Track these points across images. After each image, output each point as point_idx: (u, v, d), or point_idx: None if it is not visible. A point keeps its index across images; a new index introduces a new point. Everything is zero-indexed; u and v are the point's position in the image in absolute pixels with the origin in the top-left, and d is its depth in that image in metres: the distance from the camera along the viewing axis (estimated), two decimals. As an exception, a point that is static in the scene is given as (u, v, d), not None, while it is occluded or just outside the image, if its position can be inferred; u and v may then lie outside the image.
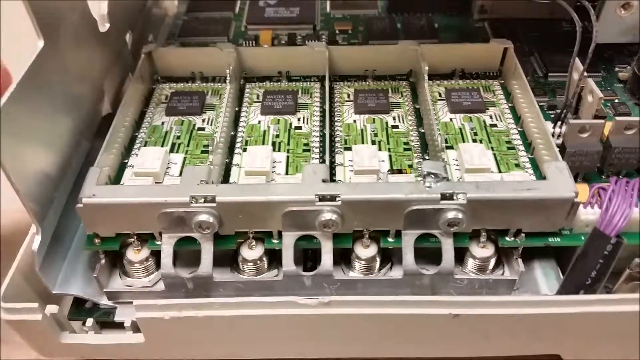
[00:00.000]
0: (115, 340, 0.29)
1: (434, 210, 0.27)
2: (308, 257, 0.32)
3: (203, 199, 0.27)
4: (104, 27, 0.36)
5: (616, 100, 0.38)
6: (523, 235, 0.29)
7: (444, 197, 0.27)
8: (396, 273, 0.30)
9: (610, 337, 0.28)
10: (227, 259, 0.31)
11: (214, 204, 0.27)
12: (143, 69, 0.37)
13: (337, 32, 0.44)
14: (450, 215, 0.27)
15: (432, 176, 0.28)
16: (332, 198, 0.27)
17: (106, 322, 0.31)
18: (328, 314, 0.27)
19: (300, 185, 0.28)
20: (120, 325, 0.30)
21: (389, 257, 0.31)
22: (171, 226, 0.28)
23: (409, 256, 0.28)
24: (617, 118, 0.31)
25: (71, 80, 0.32)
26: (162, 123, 0.35)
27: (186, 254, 0.30)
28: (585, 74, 0.33)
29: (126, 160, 0.33)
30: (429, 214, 0.27)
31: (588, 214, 0.29)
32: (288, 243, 0.29)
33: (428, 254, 0.30)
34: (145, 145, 0.33)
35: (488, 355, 0.30)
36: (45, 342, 0.29)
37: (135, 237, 0.29)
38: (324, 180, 0.28)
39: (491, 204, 0.27)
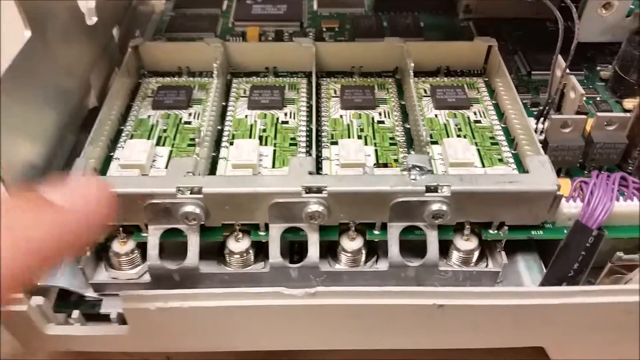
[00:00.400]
0: (101, 331, 0.29)
1: (418, 202, 0.28)
2: (294, 250, 0.32)
3: (189, 190, 0.27)
4: (91, 20, 0.36)
5: (598, 98, 0.38)
6: (506, 228, 0.29)
7: (429, 189, 0.28)
8: (382, 265, 0.30)
9: (592, 328, 0.29)
10: (214, 252, 0.31)
11: (201, 195, 0.27)
12: (130, 62, 0.37)
13: (324, 29, 0.45)
14: (435, 207, 0.27)
15: (417, 169, 0.28)
16: (319, 190, 0.28)
17: (91, 315, 0.30)
18: (314, 305, 0.27)
19: (286, 177, 0.28)
20: (105, 319, 0.30)
21: (375, 250, 0.31)
22: (157, 217, 0.28)
23: (394, 248, 0.29)
24: (599, 114, 0.32)
25: (58, 73, 0.32)
26: (149, 116, 0.35)
27: (172, 247, 0.30)
28: (568, 71, 0.33)
29: (112, 153, 0.33)
30: (414, 206, 0.28)
31: (570, 208, 0.29)
32: (275, 235, 0.29)
33: (413, 247, 0.30)
34: (131, 138, 0.33)
35: (473, 347, 0.30)
36: (30, 334, 0.29)
37: (121, 229, 0.29)
38: (310, 173, 0.29)
39: (474, 197, 0.28)
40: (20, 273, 0.20)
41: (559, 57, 0.33)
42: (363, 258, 0.30)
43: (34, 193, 0.22)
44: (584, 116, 0.32)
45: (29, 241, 0.20)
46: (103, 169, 0.31)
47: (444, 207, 0.27)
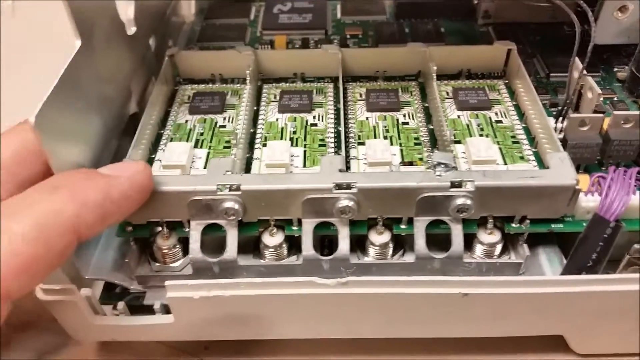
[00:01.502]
0: (147, 321, 0.31)
1: (444, 197, 0.29)
2: (325, 245, 0.34)
3: (229, 188, 0.29)
4: (130, 30, 0.38)
5: (615, 98, 0.40)
6: (528, 221, 0.31)
7: (453, 185, 0.29)
8: (408, 259, 0.32)
9: (610, 317, 0.30)
10: (249, 247, 0.33)
11: (239, 192, 0.29)
12: (167, 70, 0.39)
13: (347, 36, 0.47)
14: (460, 201, 0.29)
15: (442, 166, 0.30)
16: (349, 186, 0.29)
17: (134, 307, 0.32)
18: (345, 294, 0.28)
19: (319, 175, 0.30)
20: (147, 310, 0.32)
21: (402, 244, 0.33)
22: (199, 213, 0.30)
23: (420, 241, 0.30)
24: (615, 112, 0.33)
25: (102, 80, 0.34)
26: (186, 121, 0.37)
27: (210, 243, 0.32)
28: (585, 72, 0.35)
29: (153, 156, 0.35)
30: (439, 201, 0.29)
31: (589, 202, 0.31)
32: (307, 229, 0.31)
33: (437, 242, 0.31)
34: (171, 142, 0.35)
35: (495, 335, 0.32)
36: (79, 324, 0.31)
37: (164, 225, 0.31)
38: (340, 170, 0.30)
39: (497, 191, 0.29)
40: (81, 227, 0.23)
41: (576, 59, 0.35)
42: (390, 252, 0.32)
43: (87, 169, 0.27)
44: (601, 114, 0.33)
45: (88, 199, 0.24)
46: (145, 170, 0.33)
47: (468, 202, 0.29)
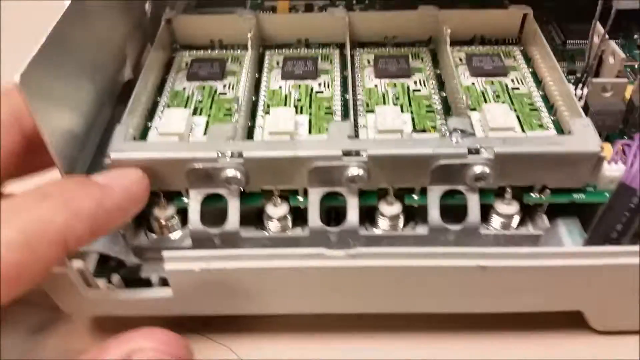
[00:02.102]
0: (144, 295, 0.29)
1: (460, 165, 0.27)
2: (331, 219, 0.32)
3: (230, 155, 0.28)
4: (125, -8, 0.36)
5: (636, 66, 0.38)
6: (548, 191, 0.29)
7: (471, 152, 0.27)
8: (421, 231, 0.30)
9: (632, 292, 0.29)
10: (251, 220, 0.31)
11: (241, 160, 0.27)
12: (163, 35, 0.37)
13: (354, 2, 0.45)
14: (478, 169, 0.27)
15: (459, 132, 0.28)
16: (359, 153, 0.28)
17: (130, 280, 0.31)
18: (355, 266, 0.27)
19: (326, 141, 0.28)
20: (144, 284, 0.30)
21: (413, 217, 0.31)
22: (199, 182, 0.28)
23: (434, 211, 0.29)
24: (640, 77, 0.31)
25: (95, 44, 0.32)
26: (184, 88, 0.35)
27: (210, 215, 0.30)
28: (607, 36, 0.33)
29: (149, 123, 0.33)
30: (456, 169, 0.28)
31: (612, 171, 0.29)
32: (314, 199, 0.29)
33: (451, 214, 0.30)
34: (168, 108, 0.33)
35: (513, 310, 0.30)
36: (72, 298, 0.29)
37: (162, 194, 0.29)
38: (349, 137, 0.28)
39: (518, 159, 0.27)
40: (70, 238, 0.22)
41: (598, 23, 0.33)
42: (401, 224, 0.30)
43: (81, 175, 0.26)
44: (624, 79, 0.31)
45: (79, 209, 0.23)
46: (142, 138, 0.32)
47: (487, 170, 0.27)
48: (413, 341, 0.32)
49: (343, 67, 0.37)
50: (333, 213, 0.32)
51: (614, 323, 0.31)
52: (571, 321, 0.31)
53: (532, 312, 0.31)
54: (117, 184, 0.25)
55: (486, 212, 0.30)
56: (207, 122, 0.33)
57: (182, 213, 0.30)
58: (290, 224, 0.30)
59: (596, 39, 0.34)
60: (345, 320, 0.32)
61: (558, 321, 0.32)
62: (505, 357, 0.31)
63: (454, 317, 0.31)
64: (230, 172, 0.27)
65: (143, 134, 0.32)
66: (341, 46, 0.38)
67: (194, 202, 0.29)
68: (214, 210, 0.30)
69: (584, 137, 0.28)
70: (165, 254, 0.26)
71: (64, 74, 0.29)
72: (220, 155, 0.27)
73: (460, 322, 0.32)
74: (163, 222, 0.30)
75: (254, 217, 0.31)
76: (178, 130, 0.30)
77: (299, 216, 0.31)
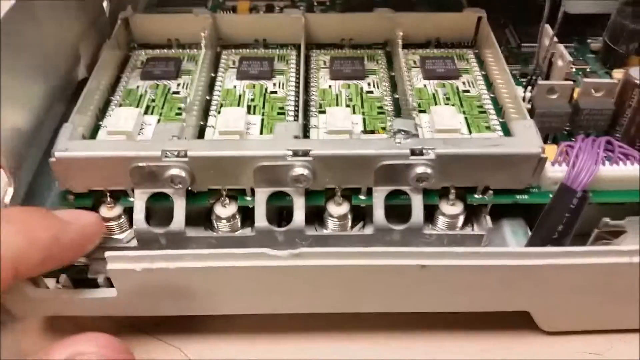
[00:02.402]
0: (88, 295, 0.29)
1: (403, 165, 0.28)
2: (283, 217, 0.32)
3: (175, 154, 0.27)
4: (79, -9, 0.36)
5: (588, 69, 0.38)
6: (491, 192, 0.29)
7: (414, 152, 0.28)
8: (368, 230, 0.30)
9: (577, 291, 0.29)
10: (202, 219, 0.31)
11: (186, 159, 0.27)
12: (119, 34, 0.37)
13: (315, 3, 0.45)
14: (420, 170, 0.28)
15: (403, 133, 0.28)
16: (304, 153, 0.28)
17: (81, 280, 0.31)
18: (299, 266, 0.27)
19: (272, 141, 0.28)
20: (93, 284, 0.30)
21: (362, 216, 0.31)
22: (143, 181, 0.28)
23: (379, 212, 0.29)
24: (586, 79, 0.32)
25: (45, 42, 0.32)
26: (137, 87, 0.35)
27: (162, 214, 0.30)
28: (556, 39, 0.33)
29: (101, 122, 0.33)
30: (399, 170, 0.28)
31: (555, 172, 0.29)
32: (260, 199, 0.29)
33: (400, 213, 0.30)
34: (119, 107, 0.33)
35: (457, 310, 0.30)
36: (19, 299, 0.29)
37: (108, 194, 0.29)
38: (295, 137, 0.29)
39: (459, 160, 0.28)
40: (22, 265, 0.23)
41: (547, 25, 0.33)
42: (349, 223, 0.30)
43: (43, 208, 0.27)
44: (570, 82, 0.32)
45: (36, 239, 0.23)
46: (92, 137, 0.32)
47: (429, 170, 0.28)
48: (362, 340, 0.32)
49: (299, 67, 0.37)
50: (284, 212, 0.32)
51: (561, 323, 0.32)
52: (521, 322, 0.32)
53: (479, 312, 0.31)
54: (75, 222, 0.26)
55: (433, 212, 0.30)
56: (159, 121, 0.33)
57: (131, 212, 0.30)
58: (239, 223, 0.30)
59: (546, 41, 0.34)
60: (295, 320, 0.32)
61: (506, 321, 0.32)
62: (455, 357, 0.31)
63: (403, 316, 0.31)
64: (174, 171, 0.27)
65: (94, 133, 0.32)
66: (299, 47, 0.38)
67: (138, 201, 0.29)
68: (165, 210, 0.30)
69: (525, 138, 0.28)
70: (108, 254, 0.26)
71: (10, 71, 0.28)
72: (164, 154, 0.27)
73: (409, 321, 0.32)
74: (110, 222, 0.30)
75: (204, 218, 0.31)
76: (126, 129, 0.30)
77: (249, 215, 0.31)
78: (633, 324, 0.32)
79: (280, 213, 0.32)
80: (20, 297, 0.29)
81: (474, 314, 0.31)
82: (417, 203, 0.29)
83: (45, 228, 0.24)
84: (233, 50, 0.39)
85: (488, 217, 0.30)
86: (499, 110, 0.33)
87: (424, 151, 0.28)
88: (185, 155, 0.27)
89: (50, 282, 0.30)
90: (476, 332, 0.32)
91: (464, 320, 0.32)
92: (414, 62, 0.37)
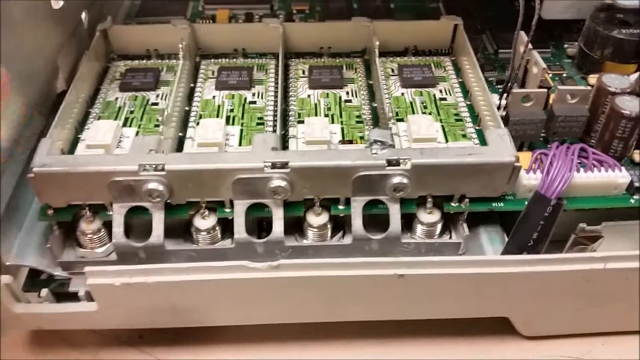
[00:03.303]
0: (69, 309, 0.29)
1: (380, 176, 0.28)
2: (263, 228, 0.32)
3: (152, 167, 0.28)
4: (57, 4, 0.36)
5: (564, 75, 0.39)
6: (467, 200, 0.30)
7: (390, 163, 0.28)
8: (347, 240, 0.31)
9: (553, 297, 0.30)
10: (182, 231, 0.31)
11: (163, 172, 0.28)
12: (98, 46, 0.37)
13: (294, 12, 0.45)
14: (396, 180, 0.28)
15: (379, 143, 0.29)
16: (282, 165, 0.28)
17: (62, 294, 0.31)
18: (278, 277, 0.27)
19: (249, 153, 0.29)
20: (74, 298, 0.30)
21: (342, 226, 0.31)
22: (121, 195, 0.28)
23: (357, 221, 0.29)
24: (560, 87, 0.32)
25: (23, 54, 0.32)
26: (116, 99, 0.35)
27: (142, 226, 0.30)
28: (530, 46, 0.34)
29: (80, 135, 0.33)
30: (376, 180, 0.28)
31: (530, 179, 0.30)
32: (239, 211, 0.29)
33: (380, 222, 0.30)
34: (98, 120, 0.33)
35: (436, 317, 0.31)
36: (1, 313, 0.29)
37: (87, 208, 0.29)
38: (273, 149, 0.29)
39: (435, 169, 0.28)
40: None
41: (521, 32, 0.34)
42: (329, 233, 0.31)
43: None
44: (544, 89, 0.32)
45: None
46: (71, 152, 0.32)
47: (405, 180, 0.28)
48: (342, 348, 0.32)
49: (278, 76, 0.37)
50: (265, 223, 0.32)
51: (540, 328, 0.32)
52: (501, 327, 0.32)
53: (458, 318, 0.31)
54: None
55: (412, 221, 0.31)
56: (137, 133, 0.33)
57: (111, 225, 0.30)
58: (219, 235, 0.31)
59: (521, 48, 0.34)
60: (277, 330, 0.32)
61: (488, 327, 0.33)
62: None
63: (383, 324, 0.32)
64: (152, 185, 0.28)
65: (73, 146, 0.32)
66: (277, 56, 0.39)
67: (117, 215, 0.29)
68: (145, 223, 0.30)
69: (499, 147, 0.29)
70: (87, 269, 0.27)
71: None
72: (142, 168, 0.28)
73: (390, 329, 0.32)
74: (89, 236, 0.30)
75: (183, 230, 0.31)
76: (104, 142, 0.30)
77: (228, 227, 0.31)
78: (611, 326, 0.32)
79: (260, 224, 0.32)
80: (2, 312, 0.29)
81: (454, 321, 0.32)
82: (395, 212, 0.29)
83: None
84: (212, 60, 0.39)
85: (465, 225, 0.30)
86: (475, 117, 0.34)
87: (400, 161, 0.28)
88: (163, 169, 0.28)
89: (32, 296, 0.30)
90: (457, 338, 0.33)
91: (444, 327, 0.32)
92: (392, 70, 0.37)
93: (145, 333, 0.33)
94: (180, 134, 0.33)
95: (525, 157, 0.30)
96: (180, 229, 0.31)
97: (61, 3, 0.36)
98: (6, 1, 0.30)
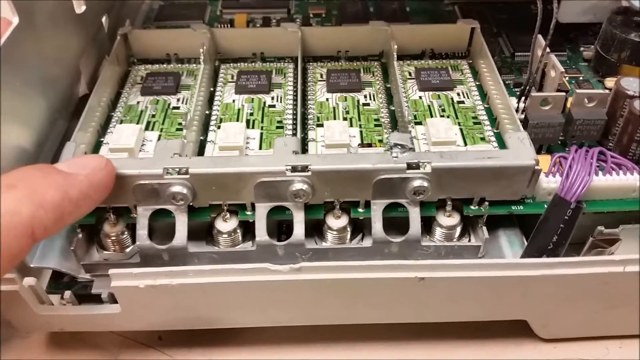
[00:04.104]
0: (92, 311, 0.29)
1: (400, 179, 0.28)
2: (282, 231, 0.32)
3: (176, 171, 0.28)
4: (80, 9, 0.36)
5: (580, 78, 0.39)
6: (487, 203, 0.30)
7: (410, 166, 0.28)
8: (367, 243, 0.31)
9: (572, 300, 0.30)
10: (204, 233, 0.32)
11: (187, 176, 0.28)
12: (119, 50, 0.38)
13: (311, 15, 0.45)
14: (416, 183, 0.28)
15: (399, 147, 0.29)
16: (303, 169, 0.28)
17: (84, 296, 0.31)
18: (299, 280, 0.27)
19: (271, 157, 0.29)
20: (98, 299, 0.31)
21: (361, 228, 0.32)
22: (145, 198, 0.29)
23: (377, 225, 0.29)
24: (578, 90, 0.32)
25: (46, 60, 0.33)
26: (138, 102, 0.36)
27: (164, 229, 0.31)
28: (548, 50, 0.34)
29: (102, 139, 0.33)
30: (396, 183, 0.28)
31: (550, 183, 0.30)
32: (261, 214, 0.29)
33: (398, 226, 0.30)
34: (120, 124, 0.34)
35: (455, 320, 0.31)
36: (23, 315, 0.30)
37: (111, 211, 0.30)
38: (294, 152, 0.29)
39: (455, 173, 0.28)
40: (37, 228, 0.22)
41: (539, 36, 0.34)
42: (348, 236, 0.31)
43: (44, 164, 0.25)
44: (562, 93, 0.32)
45: (44, 200, 0.23)
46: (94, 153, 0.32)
47: (425, 184, 0.28)
48: (362, 351, 0.32)
49: (296, 80, 0.37)
50: (284, 226, 0.32)
51: (558, 331, 0.32)
52: (519, 330, 0.32)
53: (477, 321, 0.32)
54: (81, 172, 0.25)
55: (431, 224, 0.31)
56: (160, 137, 0.33)
57: (134, 228, 0.31)
58: (240, 238, 0.31)
59: (538, 52, 0.35)
60: (297, 332, 0.32)
61: (505, 330, 0.33)
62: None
63: (403, 327, 0.32)
64: (176, 189, 0.28)
65: (96, 149, 0.32)
66: (296, 59, 0.39)
67: (141, 218, 0.29)
68: (167, 225, 0.30)
69: (519, 151, 0.29)
70: (112, 271, 0.27)
71: (13, 90, 0.29)
72: (166, 171, 0.28)
73: (409, 332, 0.32)
74: (113, 239, 0.30)
75: (205, 232, 0.32)
76: (128, 146, 0.31)
77: (249, 229, 0.31)
78: (629, 330, 0.32)
79: (280, 227, 0.33)
80: (25, 313, 0.30)
81: (473, 323, 0.32)
82: (415, 215, 0.29)
83: (51, 186, 0.23)
84: (231, 64, 0.39)
85: (484, 229, 0.30)
86: (494, 120, 0.34)
87: (420, 165, 0.28)
88: (187, 173, 0.28)
89: (55, 298, 0.31)
90: (475, 341, 0.33)
91: (463, 329, 0.32)
92: (409, 74, 0.38)
93: (164, 334, 0.33)
94: (202, 138, 0.33)
95: (544, 161, 0.30)
96: (202, 232, 0.31)
97: (84, 7, 0.37)
98: (29, 5, 0.30)
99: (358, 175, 0.28)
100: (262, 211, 0.29)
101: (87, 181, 0.25)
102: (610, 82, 0.38)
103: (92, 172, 0.25)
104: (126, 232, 0.31)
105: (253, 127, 0.34)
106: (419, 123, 0.34)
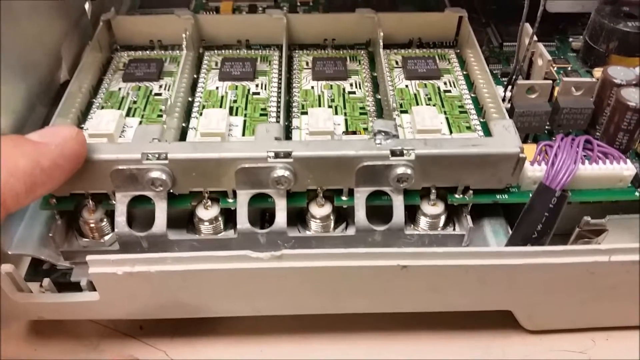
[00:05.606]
0: (71, 299, 0.29)
1: (383, 166, 0.28)
2: (266, 220, 0.32)
3: (155, 156, 0.27)
4: (61, -6, 0.36)
5: (569, 68, 0.39)
6: (471, 192, 0.29)
7: (394, 153, 0.28)
8: (350, 231, 0.30)
9: (557, 290, 0.29)
10: (185, 222, 0.31)
11: (166, 161, 0.27)
12: (101, 36, 0.37)
13: (298, 4, 0.45)
14: (400, 171, 0.28)
15: (383, 134, 0.28)
16: (286, 155, 0.28)
17: (64, 284, 0.31)
18: (280, 268, 0.27)
19: (253, 143, 0.29)
20: (78, 287, 0.30)
21: (345, 217, 0.31)
22: (124, 184, 0.28)
23: (360, 212, 0.29)
24: (565, 78, 0.32)
25: (25, 44, 0.32)
26: (119, 89, 0.35)
27: (144, 216, 0.30)
28: (535, 38, 0.34)
29: (82, 125, 0.33)
30: (379, 171, 0.28)
31: (535, 171, 0.30)
32: (242, 201, 0.29)
33: (383, 215, 0.30)
34: (101, 110, 0.33)
35: (439, 310, 0.31)
36: (1, 303, 0.29)
37: (90, 197, 0.29)
38: (277, 138, 0.29)
39: (439, 160, 0.28)
40: (8, 197, 0.22)
41: (526, 24, 0.34)
42: (332, 224, 0.31)
43: (16, 135, 0.25)
44: (549, 81, 0.32)
45: (15, 168, 0.22)
46: (73, 140, 0.31)
47: (409, 171, 0.28)
48: (344, 340, 0.32)
49: (281, 68, 0.37)
50: (267, 214, 0.32)
51: (544, 322, 0.32)
52: (504, 321, 0.32)
53: (462, 311, 0.31)
54: (52, 141, 0.24)
55: (415, 213, 0.31)
56: (140, 123, 0.33)
57: (113, 215, 0.30)
58: (222, 226, 0.31)
59: (526, 40, 0.34)
60: (279, 322, 0.32)
61: (489, 321, 0.32)
62: (439, 357, 0.31)
63: (386, 316, 0.32)
64: (155, 174, 0.27)
65: (76, 136, 0.32)
66: (282, 47, 0.38)
67: (120, 204, 0.29)
68: (147, 214, 0.30)
69: (504, 138, 0.28)
70: (89, 257, 0.26)
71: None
72: (145, 156, 0.27)
73: (393, 321, 0.32)
74: (92, 226, 0.30)
75: (186, 220, 0.31)
76: (107, 132, 0.30)
77: (231, 217, 0.31)
78: (615, 321, 0.32)
79: (262, 215, 0.32)
80: (3, 301, 0.29)
81: (457, 314, 0.32)
82: (398, 204, 0.29)
83: (22, 155, 0.23)
84: (215, 51, 0.39)
85: (469, 217, 0.30)
86: (480, 110, 0.33)
87: (404, 152, 0.28)
88: (166, 158, 0.27)
89: (34, 286, 0.30)
90: (459, 332, 0.32)
91: (447, 320, 0.32)
92: (396, 62, 0.37)
93: (146, 324, 0.33)
94: (184, 125, 0.33)
95: (530, 150, 0.30)
96: (183, 220, 0.31)
97: (65, -7, 0.36)
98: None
99: (341, 162, 0.28)
100: (243, 198, 0.29)
101: (58, 150, 0.25)
102: (598, 72, 0.37)
103: (64, 142, 0.25)
104: (105, 220, 0.30)
105: (237, 115, 0.33)
106: (405, 112, 0.33)
